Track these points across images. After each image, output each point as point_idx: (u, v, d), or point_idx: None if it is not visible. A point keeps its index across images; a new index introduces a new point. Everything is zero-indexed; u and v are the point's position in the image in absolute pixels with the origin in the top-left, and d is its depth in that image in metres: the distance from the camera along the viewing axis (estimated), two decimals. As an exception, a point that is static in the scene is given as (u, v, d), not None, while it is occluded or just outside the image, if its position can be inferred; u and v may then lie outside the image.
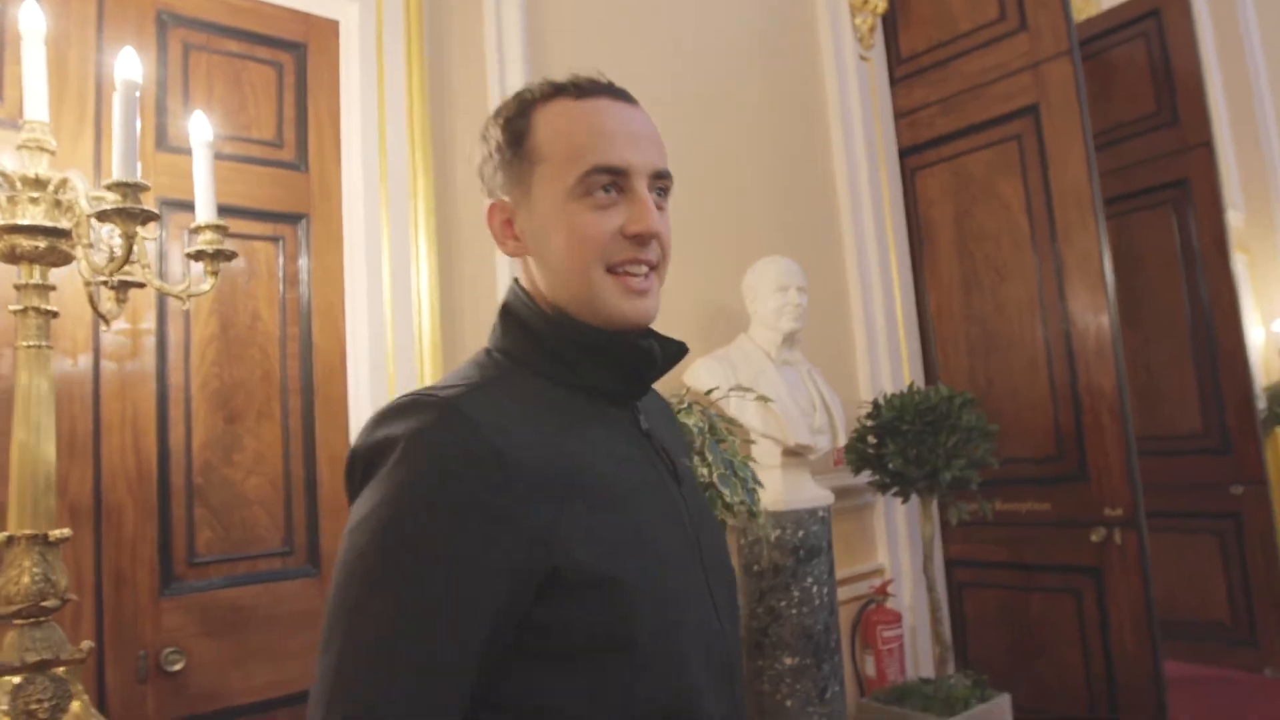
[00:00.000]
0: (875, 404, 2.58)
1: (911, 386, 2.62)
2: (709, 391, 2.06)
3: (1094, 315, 2.88)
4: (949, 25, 3.26)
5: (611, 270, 0.76)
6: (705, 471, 1.52)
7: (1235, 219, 6.57)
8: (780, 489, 2.17)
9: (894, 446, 2.47)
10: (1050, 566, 2.96)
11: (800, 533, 2.16)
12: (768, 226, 2.85)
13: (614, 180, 0.76)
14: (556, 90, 0.80)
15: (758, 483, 1.69)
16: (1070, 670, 2.92)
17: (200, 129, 1.47)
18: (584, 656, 0.68)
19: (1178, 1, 4.01)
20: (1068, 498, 2.92)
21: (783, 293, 2.20)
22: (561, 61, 2.41)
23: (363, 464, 0.71)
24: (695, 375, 2.16)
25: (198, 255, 1.43)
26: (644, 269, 0.77)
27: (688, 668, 0.72)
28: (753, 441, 2.22)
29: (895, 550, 3.02)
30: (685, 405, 1.61)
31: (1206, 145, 3.93)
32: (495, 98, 2.21)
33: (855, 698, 2.69)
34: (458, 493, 0.66)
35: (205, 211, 1.44)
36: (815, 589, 2.16)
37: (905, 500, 2.61)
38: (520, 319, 0.80)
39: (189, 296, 1.44)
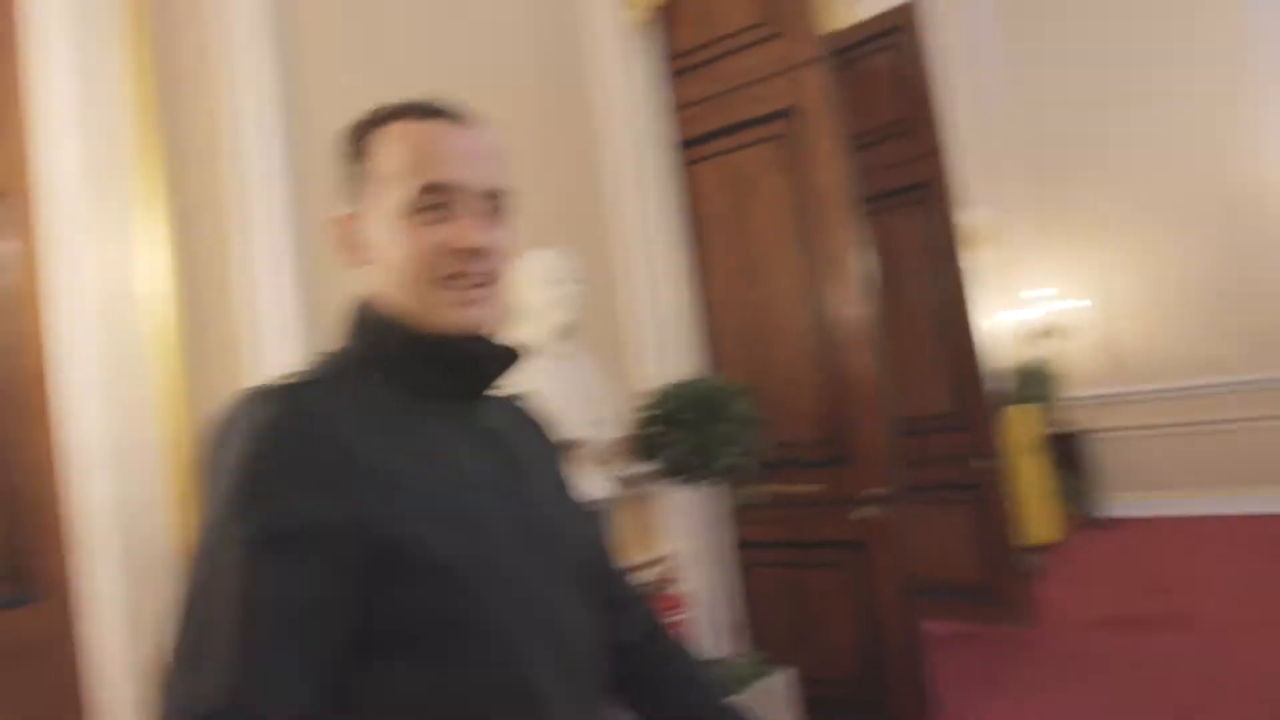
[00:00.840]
0: (663, 393, 2.60)
1: (691, 377, 2.67)
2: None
3: (851, 307, 3.07)
4: (712, 26, 3.36)
5: (440, 283, 0.80)
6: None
7: (985, 217, 7.28)
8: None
9: (677, 435, 2.50)
10: (823, 543, 3.12)
11: (578, 527, 2.12)
12: (542, 217, 2.80)
13: (442, 199, 0.81)
14: (397, 113, 0.85)
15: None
16: (843, 639, 3.09)
17: None
18: (420, 642, 0.71)
19: (913, 22, 4.41)
20: (837, 479, 3.09)
21: (556, 285, 2.16)
22: (315, 33, 2.24)
23: (207, 453, 0.74)
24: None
25: None
26: (473, 280, 0.81)
27: (520, 651, 0.75)
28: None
29: (681, 535, 3.06)
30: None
31: (936, 153, 4.34)
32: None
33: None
34: (288, 468, 0.69)
35: None
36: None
37: (687, 486, 2.65)
38: (362, 323, 0.85)
39: None
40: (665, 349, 3.17)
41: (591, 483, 2.24)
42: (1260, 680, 3.22)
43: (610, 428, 2.34)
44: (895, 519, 3.00)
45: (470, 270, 0.81)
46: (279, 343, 1.91)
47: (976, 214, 6.85)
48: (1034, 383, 6.33)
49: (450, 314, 0.81)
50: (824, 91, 3.12)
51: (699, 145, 3.42)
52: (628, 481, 2.72)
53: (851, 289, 3.08)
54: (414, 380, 0.82)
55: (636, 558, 2.85)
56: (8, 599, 1.58)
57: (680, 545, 3.03)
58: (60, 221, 1.69)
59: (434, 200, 0.81)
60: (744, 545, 3.25)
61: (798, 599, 3.16)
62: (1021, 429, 5.73)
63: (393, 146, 0.82)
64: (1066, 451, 6.54)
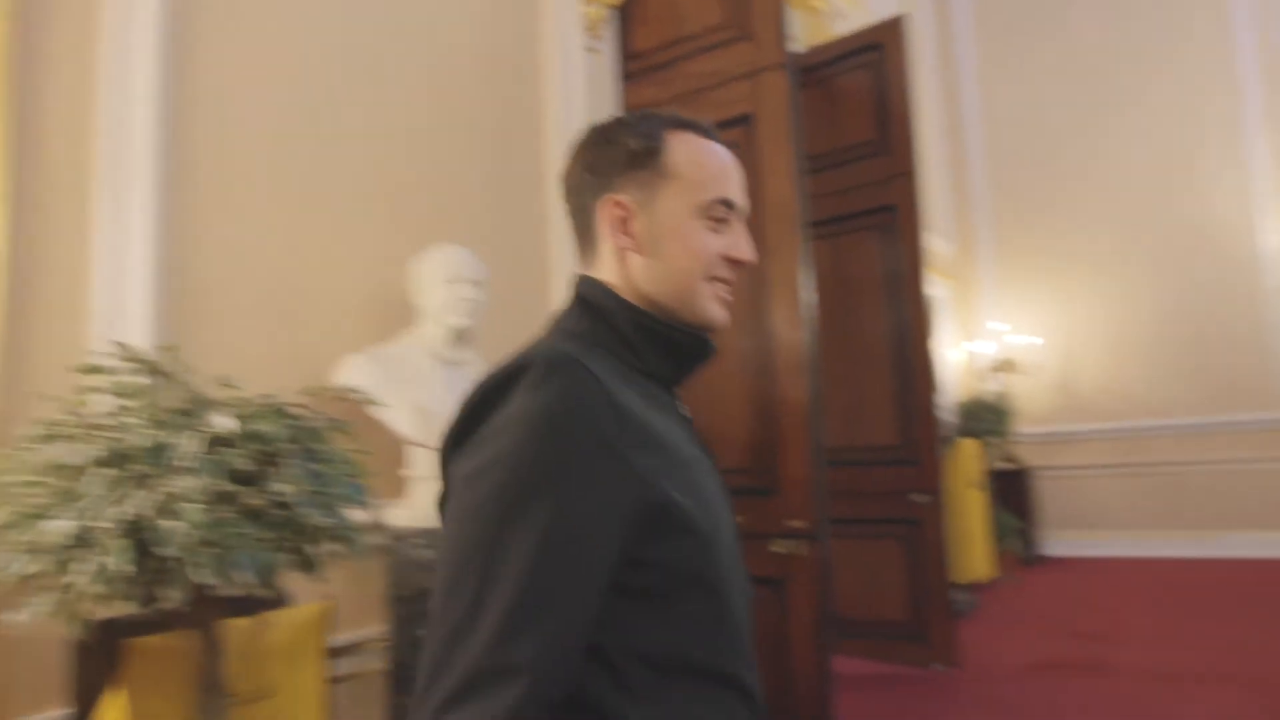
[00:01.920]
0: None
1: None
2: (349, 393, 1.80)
3: (791, 330, 2.93)
4: (678, 25, 3.21)
5: (709, 281, 0.92)
6: (282, 489, 1.25)
7: (947, 248, 7.26)
8: (432, 503, 1.96)
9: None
10: (740, 576, 2.99)
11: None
12: (471, 217, 2.63)
13: (727, 214, 0.93)
14: (684, 125, 0.95)
15: (360, 500, 1.43)
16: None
17: None
18: (675, 595, 0.78)
19: (896, 38, 4.26)
20: (759, 511, 2.95)
21: (451, 285, 1.99)
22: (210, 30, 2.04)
23: (478, 407, 0.79)
24: (342, 374, 1.89)
25: None
26: (730, 286, 0.94)
27: (735, 608, 0.84)
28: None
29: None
30: (255, 410, 1.31)
31: (909, 175, 4.21)
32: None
33: None
34: (586, 434, 0.74)
35: None
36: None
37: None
38: (599, 307, 0.92)
39: None
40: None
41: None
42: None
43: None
44: (816, 554, 2.86)
45: (732, 278, 0.94)
46: (127, 317, 1.73)
47: (936, 243, 6.79)
48: (984, 417, 6.24)
49: (712, 309, 0.92)
50: (785, 100, 2.97)
51: (649, 148, 3.27)
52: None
53: (793, 311, 2.94)
54: (643, 363, 0.90)
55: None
56: None
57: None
58: None
59: (722, 214, 0.93)
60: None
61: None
62: (967, 464, 5.65)
63: (693, 155, 0.93)
64: (1010, 488, 6.48)
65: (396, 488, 1.98)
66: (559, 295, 2.97)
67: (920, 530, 4.16)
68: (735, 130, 3.07)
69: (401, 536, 1.87)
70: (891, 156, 4.31)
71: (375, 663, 2.04)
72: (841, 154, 4.40)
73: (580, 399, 0.75)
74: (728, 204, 0.93)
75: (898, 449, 4.26)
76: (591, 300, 0.92)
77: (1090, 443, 6.75)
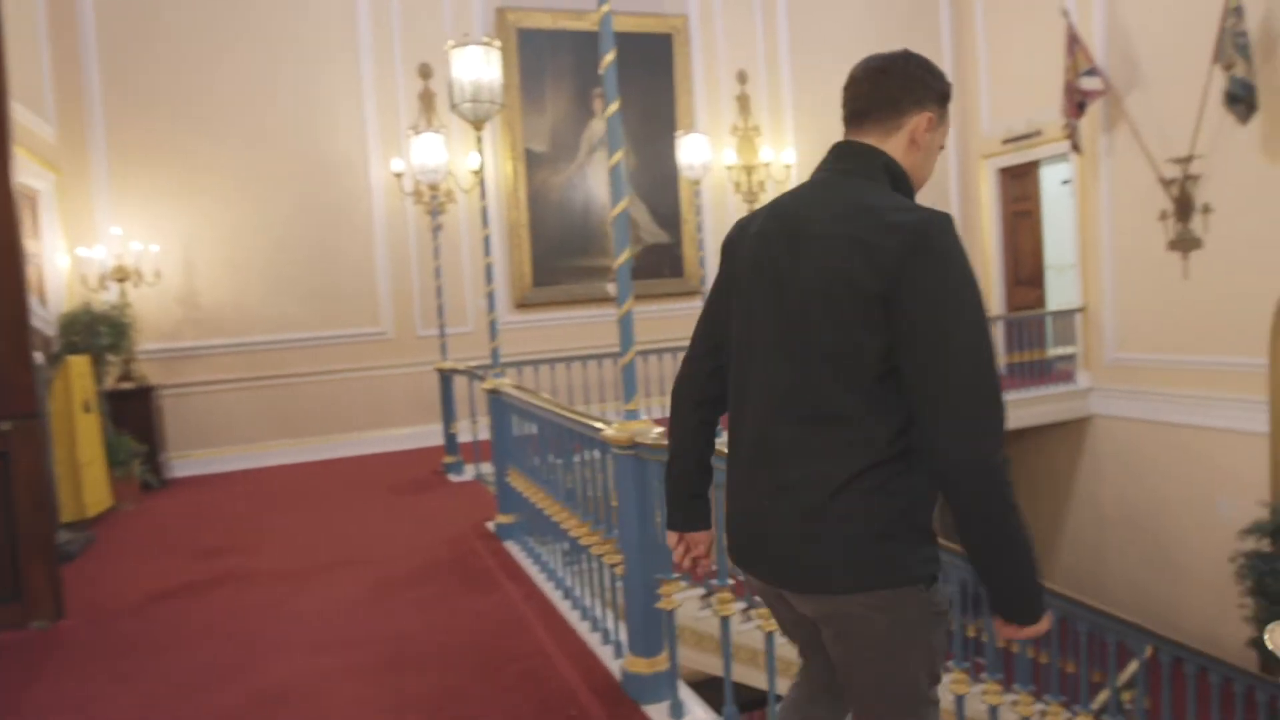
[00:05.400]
0: None
1: None
2: None
3: None
4: None
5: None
6: None
7: (49, 130, 6.11)
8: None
9: None
10: None
11: None
12: None
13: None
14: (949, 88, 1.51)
15: None
16: None
17: None
18: None
19: None
20: None
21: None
22: None
23: (919, 238, 1.26)
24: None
25: None
26: None
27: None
28: None
29: None
30: None
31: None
32: None
33: None
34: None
35: None
36: None
37: None
38: (898, 174, 1.42)
39: None
40: None
41: None
42: (303, 626, 3.29)
43: None
44: None
45: None
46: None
47: (35, 122, 5.70)
48: (97, 331, 5.52)
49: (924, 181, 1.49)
50: None
51: None
52: None
53: None
54: None
55: None
56: None
57: None
58: None
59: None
60: None
61: None
62: (77, 384, 4.91)
63: (948, 113, 1.49)
64: (130, 409, 5.93)
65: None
66: None
67: (8, 465, 3.39)
68: None
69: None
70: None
71: None
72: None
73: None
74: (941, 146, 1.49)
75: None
76: (893, 169, 1.42)
77: (215, 358, 6.65)
